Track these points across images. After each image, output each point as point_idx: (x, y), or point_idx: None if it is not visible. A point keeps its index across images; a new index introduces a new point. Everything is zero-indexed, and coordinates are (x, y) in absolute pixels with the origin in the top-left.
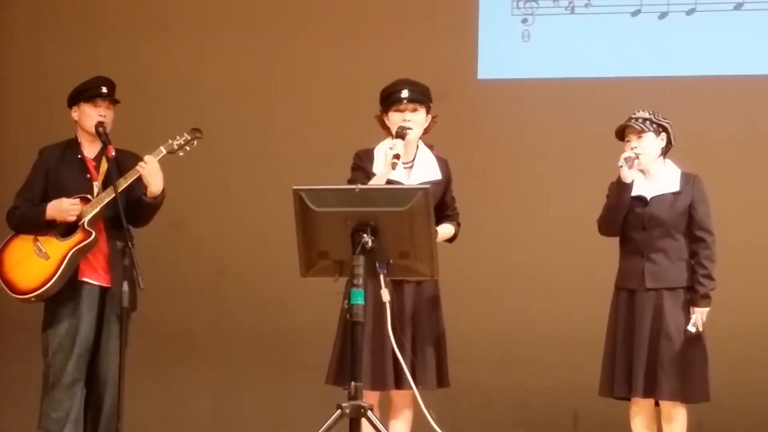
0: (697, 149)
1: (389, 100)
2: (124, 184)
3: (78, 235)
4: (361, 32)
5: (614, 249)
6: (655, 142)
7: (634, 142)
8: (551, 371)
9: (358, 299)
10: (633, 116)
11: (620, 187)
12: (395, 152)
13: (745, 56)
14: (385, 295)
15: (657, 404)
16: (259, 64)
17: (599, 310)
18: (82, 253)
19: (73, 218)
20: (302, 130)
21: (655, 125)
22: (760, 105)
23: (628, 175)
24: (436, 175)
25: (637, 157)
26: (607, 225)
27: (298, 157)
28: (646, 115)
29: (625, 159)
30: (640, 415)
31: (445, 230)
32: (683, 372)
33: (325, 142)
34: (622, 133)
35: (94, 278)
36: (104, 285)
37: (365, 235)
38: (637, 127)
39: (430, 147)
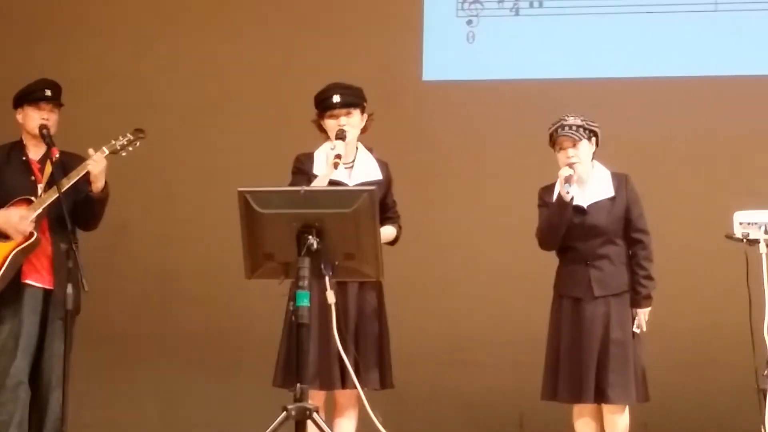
0: (638, 149)
1: (322, 105)
2: (67, 184)
3: None
4: (305, 34)
5: None
6: (588, 148)
7: (570, 150)
8: (497, 373)
9: (304, 301)
10: (564, 123)
11: (562, 207)
12: (337, 152)
13: (690, 57)
14: (331, 296)
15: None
16: (204, 65)
17: (545, 311)
18: (23, 254)
19: (24, 234)
20: (246, 131)
21: (587, 131)
22: (702, 105)
23: (568, 193)
24: (377, 174)
25: (574, 170)
26: (547, 242)
27: (243, 159)
28: (579, 122)
29: (566, 179)
30: (584, 416)
31: (387, 232)
32: (632, 374)
33: (269, 144)
34: (553, 141)
35: (37, 280)
36: (47, 287)
37: (310, 237)
38: (574, 137)
39: (370, 150)
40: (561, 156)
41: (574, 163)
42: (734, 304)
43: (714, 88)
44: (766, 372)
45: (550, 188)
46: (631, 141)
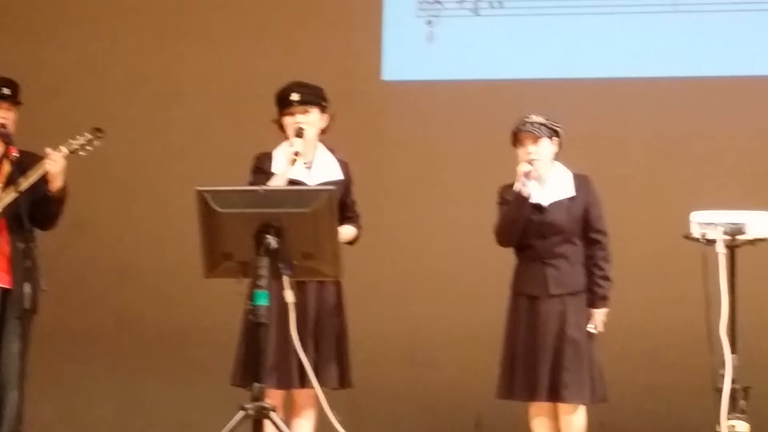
0: (597, 150)
1: (282, 104)
2: (25, 183)
3: None
4: (265, 33)
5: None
6: (549, 147)
7: (530, 147)
8: (455, 373)
9: (262, 300)
10: (527, 120)
11: (520, 202)
12: (295, 149)
13: (649, 58)
14: (289, 296)
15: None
16: (163, 63)
17: (503, 311)
18: None
19: None
20: (206, 130)
21: (549, 130)
22: (660, 106)
23: (525, 188)
24: (338, 174)
25: (533, 166)
26: (505, 238)
27: (202, 158)
28: (541, 120)
29: (525, 174)
30: (540, 416)
31: (346, 232)
32: (587, 374)
33: (228, 144)
34: (515, 138)
35: None
36: (5, 286)
37: (269, 236)
38: (535, 133)
39: (332, 150)
40: (521, 152)
41: (533, 160)
42: (692, 304)
43: (671, 89)
44: (722, 372)
45: (509, 187)
46: (590, 141)
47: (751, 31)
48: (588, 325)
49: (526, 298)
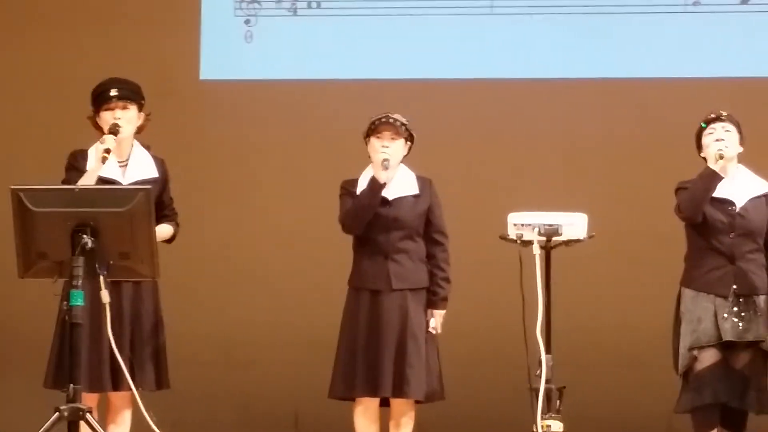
0: (418, 150)
1: (99, 99)
2: None
3: None
4: (81, 30)
5: (337, 249)
6: (403, 148)
7: (386, 141)
8: (273, 373)
9: (77, 300)
10: (392, 115)
11: (377, 188)
12: (106, 146)
13: (466, 59)
14: (105, 296)
15: (382, 404)
16: None
17: (321, 311)
18: None
19: None
20: (21, 129)
21: (408, 132)
22: (478, 107)
23: (383, 175)
24: (153, 173)
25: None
26: (355, 224)
27: (17, 157)
28: (404, 120)
29: (383, 162)
30: (365, 413)
31: (163, 230)
32: (425, 371)
33: (44, 142)
34: (374, 128)
35: None
36: None
37: (85, 236)
38: (398, 130)
39: (148, 147)
40: (376, 142)
41: (387, 157)
42: (508, 304)
43: (487, 90)
44: (538, 372)
45: (353, 181)
46: (424, 142)
47: (577, 35)
48: (430, 326)
49: (367, 293)
